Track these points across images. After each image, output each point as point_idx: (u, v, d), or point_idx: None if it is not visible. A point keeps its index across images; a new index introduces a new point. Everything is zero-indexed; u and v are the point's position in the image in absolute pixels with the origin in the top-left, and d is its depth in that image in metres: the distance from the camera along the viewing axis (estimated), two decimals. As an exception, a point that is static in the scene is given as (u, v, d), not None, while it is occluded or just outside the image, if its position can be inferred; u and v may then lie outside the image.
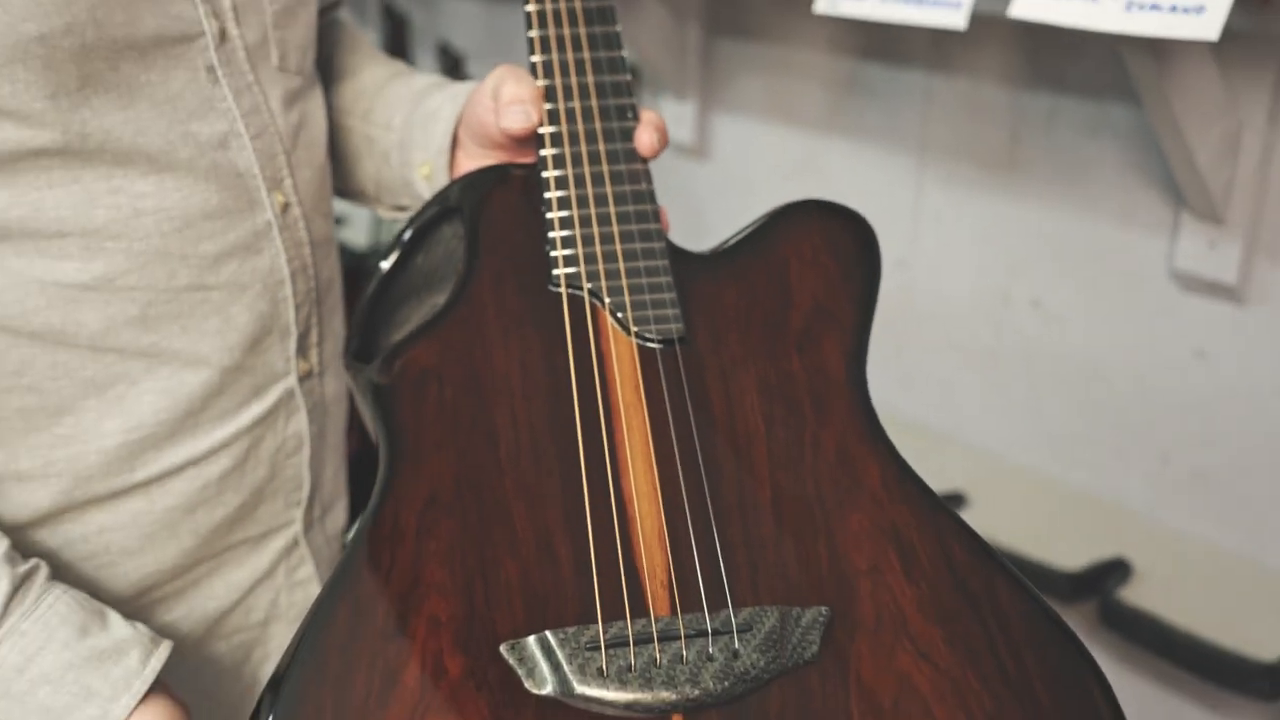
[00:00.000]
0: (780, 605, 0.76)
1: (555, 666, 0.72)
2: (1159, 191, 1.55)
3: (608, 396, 0.85)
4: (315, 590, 1.04)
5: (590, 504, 0.79)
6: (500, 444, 0.82)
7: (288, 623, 1.03)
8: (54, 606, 0.79)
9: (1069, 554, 1.59)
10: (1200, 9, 1.08)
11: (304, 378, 0.99)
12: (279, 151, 0.95)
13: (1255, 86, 1.40)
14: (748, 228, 0.96)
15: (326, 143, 1.04)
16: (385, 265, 0.96)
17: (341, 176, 1.14)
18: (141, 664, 0.79)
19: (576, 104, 0.96)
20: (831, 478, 0.82)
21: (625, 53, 0.99)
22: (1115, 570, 1.58)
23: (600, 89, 0.97)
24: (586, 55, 0.98)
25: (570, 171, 0.94)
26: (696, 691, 0.71)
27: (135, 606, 0.90)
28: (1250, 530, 1.55)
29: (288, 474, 1.00)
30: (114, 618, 0.81)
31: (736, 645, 0.74)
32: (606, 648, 0.73)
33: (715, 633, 0.74)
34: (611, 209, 0.93)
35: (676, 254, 0.93)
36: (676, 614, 0.75)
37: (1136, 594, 1.54)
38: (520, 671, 0.72)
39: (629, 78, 0.98)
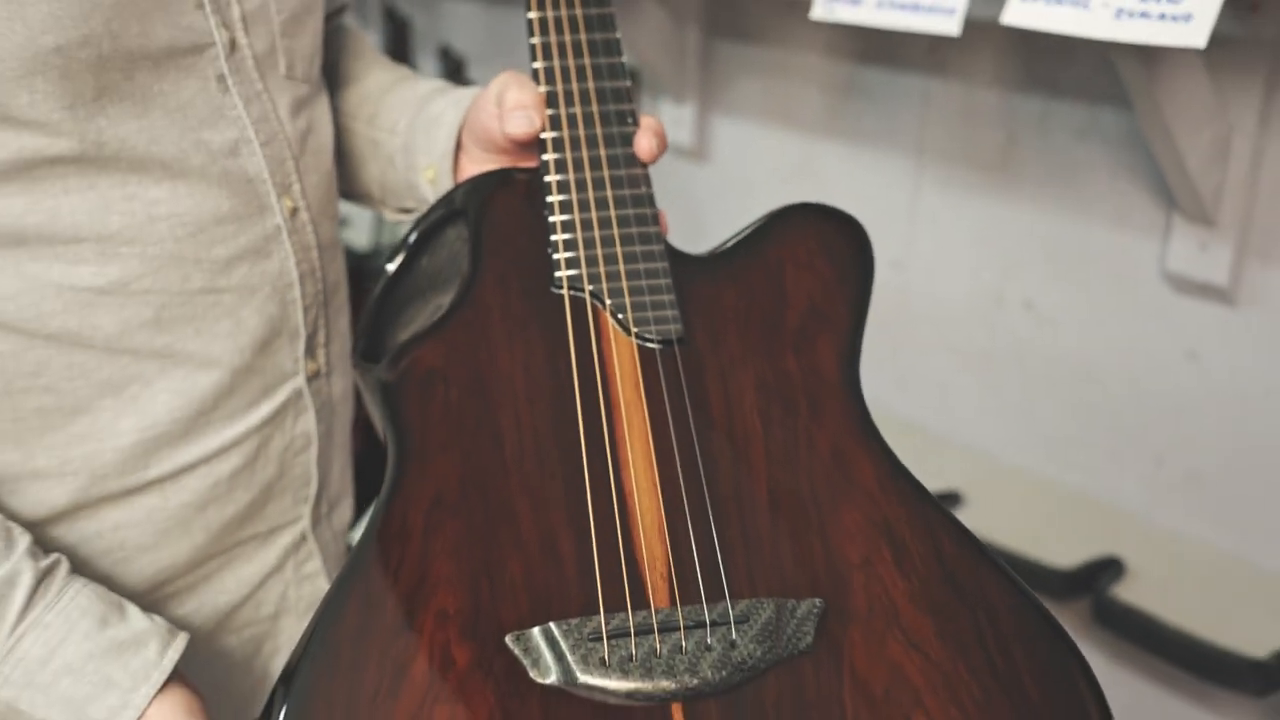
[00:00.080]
0: (776, 597, 0.77)
1: (559, 656, 0.73)
2: (1151, 194, 1.55)
3: (609, 396, 0.86)
4: (323, 584, 1.06)
5: (592, 500, 0.81)
6: (504, 443, 0.83)
7: (296, 616, 1.04)
8: (75, 599, 0.80)
9: (1063, 552, 1.59)
10: (1188, 17, 1.09)
11: (312, 378, 1.01)
12: (288, 157, 0.97)
13: (1245, 90, 1.41)
14: (744, 230, 0.97)
15: (332, 148, 1.06)
16: (391, 267, 0.97)
17: (347, 179, 1.15)
18: (160, 655, 0.81)
19: (578, 109, 0.98)
20: (826, 474, 0.83)
21: (625, 58, 1.00)
22: (1108, 568, 1.58)
23: (601, 95, 0.98)
24: (587, 62, 0.99)
25: (572, 176, 0.95)
26: (695, 680, 0.73)
27: (149, 601, 0.92)
28: (1242, 529, 1.55)
29: (296, 471, 1.01)
30: (132, 610, 0.83)
31: (734, 636, 0.75)
32: (608, 638, 0.74)
33: (713, 624, 0.76)
34: (612, 212, 0.94)
35: (675, 256, 0.94)
36: (676, 606, 0.77)
37: (1129, 592, 1.55)
38: (525, 661, 0.73)
39: (629, 84, 1.00)
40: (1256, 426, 1.52)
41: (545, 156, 0.96)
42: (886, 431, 0.88)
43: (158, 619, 0.83)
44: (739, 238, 0.97)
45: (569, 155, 0.96)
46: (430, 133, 1.06)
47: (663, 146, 0.98)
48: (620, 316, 0.90)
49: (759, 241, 0.97)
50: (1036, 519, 1.69)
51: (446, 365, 0.87)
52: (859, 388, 0.89)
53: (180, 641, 0.83)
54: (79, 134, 0.82)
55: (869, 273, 0.96)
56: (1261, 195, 1.45)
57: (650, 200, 0.95)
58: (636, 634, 0.75)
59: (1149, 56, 1.28)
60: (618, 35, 1.00)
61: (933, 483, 0.86)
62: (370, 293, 0.97)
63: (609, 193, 0.95)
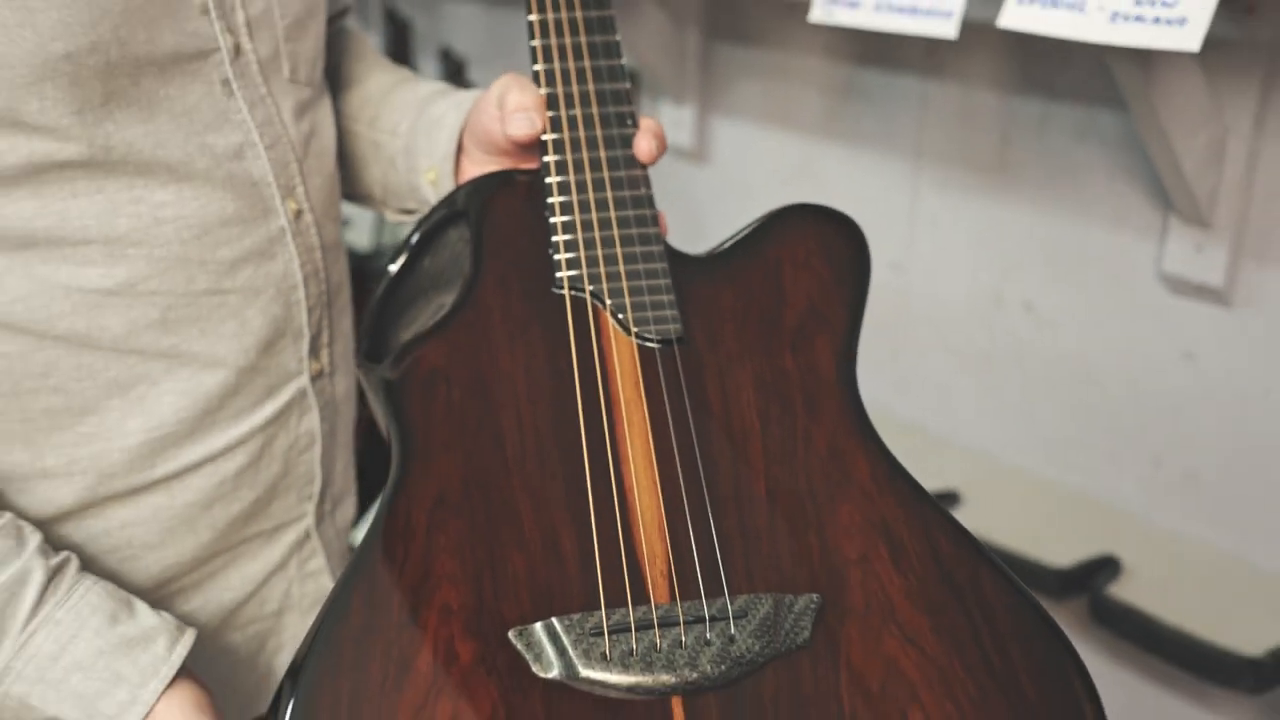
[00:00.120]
0: (774, 593, 0.78)
1: (561, 651, 0.74)
2: (1147, 196, 1.56)
3: (609, 394, 0.87)
4: (326, 581, 1.07)
5: (593, 497, 0.82)
6: (506, 442, 0.84)
7: (300, 613, 1.05)
8: (85, 597, 0.81)
9: (1061, 552, 1.60)
10: (1182, 20, 1.10)
11: (316, 377, 1.02)
12: (291, 160, 0.97)
13: (1240, 93, 1.41)
14: (742, 231, 0.98)
15: (335, 150, 1.07)
16: (394, 268, 0.98)
17: (349, 181, 1.16)
18: (168, 650, 0.82)
19: (578, 111, 0.98)
20: (823, 472, 0.84)
21: (624, 60, 1.01)
22: (1105, 567, 1.58)
23: (601, 97, 0.99)
24: (587, 64, 1.00)
25: (572, 177, 0.96)
26: (695, 674, 0.74)
27: (155, 598, 0.93)
28: (1238, 528, 1.56)
29: (300, 470, 1.02)
30: (141, 607, 0.84)
31: (732, 631, 0.76)
32: (609, 633, 0.75)
33: (712, 619, 0.77)
34: (612, 213, 0.95)
35: (675, 256, 0.95)
36: (676, 601, 0.78)
37: (1126, 590, 1.55)
38: (528, 656, 0.74)
39: (628, 86, 1.00)
40: (1252, 426, 1.52)
41: (546, 158, 0.97)
42: (886, 432, 0.89)
43: (166, 615, 0.84)
44: (737, 238, 0.98)
45: (569, 157, 0.97)
46: (431, 135, 1.07)
47: (662, 148, 0.99)
48: (620, 316, 0.91)
49: (757, 242, 0.98)
50: (1034, 518, 1.69)
51: (449, 365, 0.88)
52: (856, 387, 0.90)
53: (188, 637, 0.84)
54: (87, 139, 0.83)
55: (866, 273, 0.96)
56: (1256, 197, 1.45)
57: (650, 201, 0.96)
58: (637, 629, 0.76)
59: (1145, 59, 1.29)
60: (618, 38, 1.01)
61: (932, 482, 0.87)
62: (373, 293, 0.98)
63: (609, 194, 0.96)
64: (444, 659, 0.74)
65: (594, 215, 0.95)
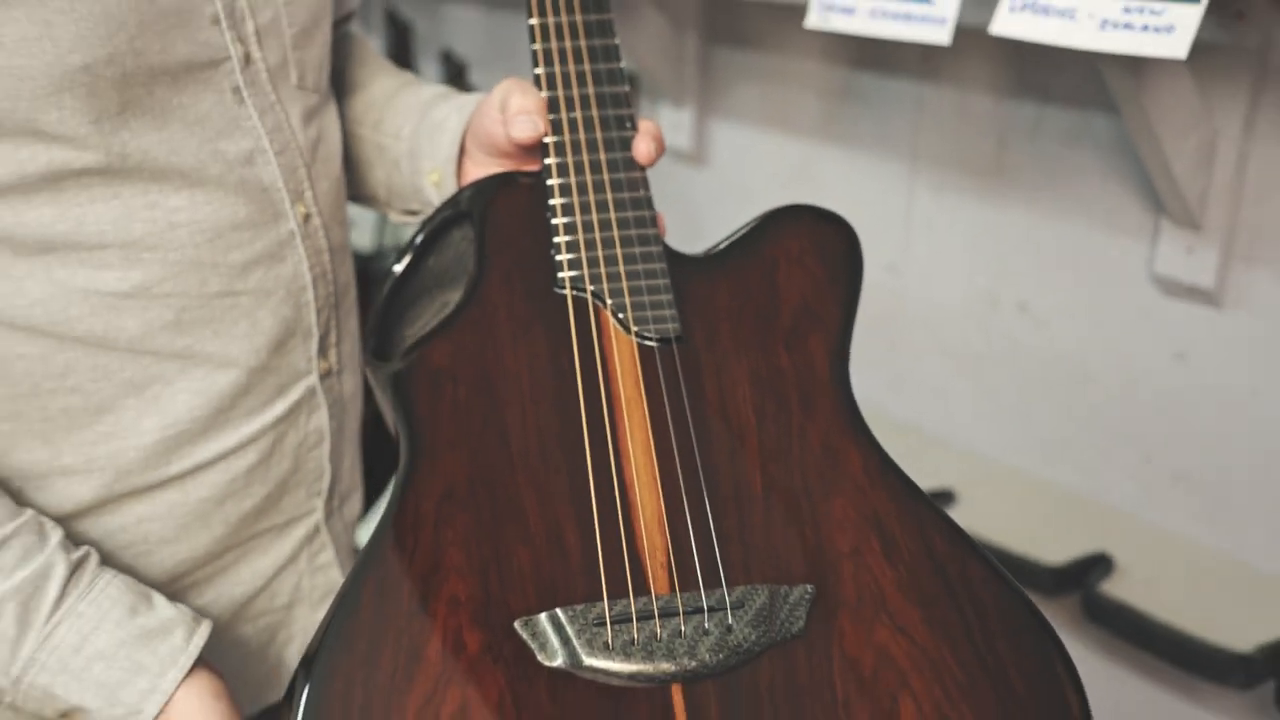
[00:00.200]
0: (770, 584, 0.80)
1: (565, 641, 0.76)
2: (1139, 198, 1.56)
3: (610, 392, 0.88)
4: (335, 575, 1.08)
5: (595, 492, 0.83)
6: (511, 439, 0.86)
7: (310, 605, 1.07)
8: (106, 590, 0.84)
9: (1054, 549, 1.60)
10: (1170, 28, 1.11)
11: (324, 376, 1.03)
12: (300, 165, 0.99)
13: (1230, 97, 1.42)
14: (738, 231, 0.99)
15: (341, 154, 1.08)
16: (399, 268, 0.99)
17: (355, 183, 1.17)
18: (186, 641, 0.84)
19: (578, 114, 0.99)
20: (817, 467, 0.86)
21: (624, 64, 1.02)
22: (1098, 565, 1.59)
23: (600, 100, 1.00)
24: (587, 67, 1.01)
25: (573, 179, 0.97)
26: (694, 663, 0.76)
27: (170, 592, 0.94)
28: (1228, 526, 1.57)
29: (310, 466, 1.04)
30: (159, 599, 0.86)
31: (730, 621, 0.78)
32: (612, 623, 0.77)
33: (711, 609, 0.78)
34: (612, 215, 0.96)
35: (673, 257, 0.97)
36: (675, 592, 0.79)
37: (1118, 588, 1.56)
38: (533, 646, 0.76)
39: (627, 89, 1.01)
40: (1243, 426, 1.53)
41: (547, 160, 0.98)
42: (883, 431, 0.90)
43: (183, 607, 0.87)
44: (733, 238, 0.99)
45: (570, 159, 0.98)
46: (434, 138, 1.09)
47: (660, 150, 1.00)
48: (621, 316, 0.92)
49: (753, 242, 0.99)
50: (1028, 517, 1.70)
51: (455, 364, 0.89)
52: (849, 384, 0.92)
53: (205, 628, 0.86)
54: (104, 147, 0.85)
55: (859, 272, 0.98)
56: (1246, 200, 1.46)
57: (649, 203, 0.98)
58: (638, 619, 0.78)
59: (1136, 65, 1.30)
60: (617, 41, 1.02)
61: (928, 481, 0.88)
62: (377, 292, 0.99)
63: (609, 196, 0.97)
64: (453, 648, 0.75)
65: (594, 216, 0.96)
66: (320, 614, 1.07)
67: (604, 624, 0.77)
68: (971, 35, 1.37)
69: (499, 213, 0.99)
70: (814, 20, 1.46)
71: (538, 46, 1.01)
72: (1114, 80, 1.34)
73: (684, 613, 0.79)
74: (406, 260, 1.00)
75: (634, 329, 0.92)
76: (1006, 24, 1.25)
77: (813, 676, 0.77)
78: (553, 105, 1.00)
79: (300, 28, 0.99)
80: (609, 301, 0.93)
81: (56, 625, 0.82)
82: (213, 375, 0.94)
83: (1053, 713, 0.77)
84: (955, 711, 0.76)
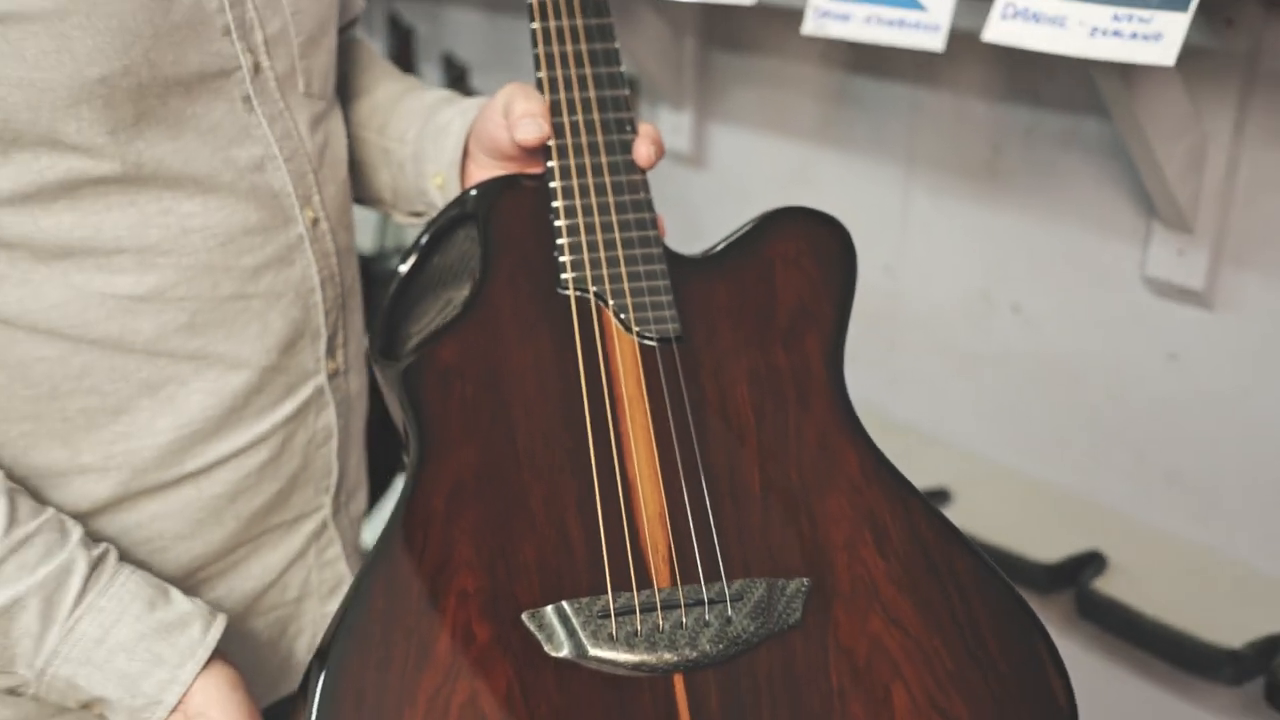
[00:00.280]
0: (767, 577, 0.83)
1: (571, 632, 0.79)
2: (1131, 201, 1.57)
3: (612, 391, 0.90)
4: (343, 569, 1.10)
5: (599, 488, 0.85)
6: (517, 436, 0.87)
7: (319, 599, 1.09)
8: (125, 585, 0.86)
9: (1047, 547, 1.61)
10: (1158, 36, 1.12)
11: (332, 376, 1.05)
12: (308, 171, 1.01)
13: (1220, 102, 1.43)
14: (735, 232, 1.01)
15: (347, 159, 1.10)
16: (404, 268, 1.01)
17: (360, 185, 1.19)
18: (203, 634, 0.86)
19: (580, 118, 1.01)
20: (813, 463, 0.88)
21: (624, 68, 1.03)
22: (1091, 562, 1.59)
23: (601, 103, 1.02)
24: (588, 71, 1.02)
25: (575, 182, 0.98)
26: (695, 653, 0.78)
27: (184, 587, 0.95)
28: (1219, 525, 1.58)
29: (318, 463, 1.06)
30: (176, 594, 0.88)
31: (729, 613, 0.80)
32: (616, 615, 0.79)
33: (711, 602, 0.81)
34: (613, 217, 0.98)
35: (672, 258, 0.98)
36: (677, 585, 0.82)
37: (1111, 585, 1.56)
38: (540, 637, 0.78)
39: (627, 92, 1.03)
40: (1233, 425, 1.54)
41: (550, 163, 1.00)
42: (879, 431, 0.92)
43: (199, 601, 0.89)
44: (731, 240, 1.01)
45: (572, 162, 0.99)
46: (438, 141, 1.10)
47: (660, 153, 1.01)
48: (622, 316, 0.94)
49: (750, 243, 1.01)
50: (1022, 515, 1.70)
51: (462, 363, 0.91)
52: (843, 381, 0.94)
53: (220, 622, 0.88)
54: (120, 156, 0.87)
55: (853, 272, 1.00)
56: (1236, 203, 1.47)
57: (649, 205, 0.99)
58: (641, 611, 0.80)
59: (1127, 70, 1.31)
60: (617, 45, 1.03)
61: (923, 480, 0.89)
62: (385, 292, 1.00)
63: (610, 198, 0.98)
64: (462, 640, 0.78)
65: (596, 219, 0.97)
66: (329, 607, 1.09)
67: (608, 616, 0.80)
68: (966, 40, 1.37)
69: (503, 214, 1.00)
70: (810, 27, 1.47)
71: (539, 50, 1.03)
72: (1105, 86, 1.35)
73: (685, 605, 0.81)
74: (412, 260, 1.01)
75: (635, 329, 0.93)
76: (998, 31, 1.26)
77: (809, 666, 0.79)
78: (555, 108, 1.01)
79: (307, 36, 1.01)
80: (611, 302, 0.94)
81: (79, 619, 0.84)
82: (225, 376, 0.96)
83: (1039, 698, 0.80)
84: (945, 698, 0.78)
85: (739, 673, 0.79)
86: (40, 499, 0.91)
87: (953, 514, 0.86)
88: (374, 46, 1.27)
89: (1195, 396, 1.58)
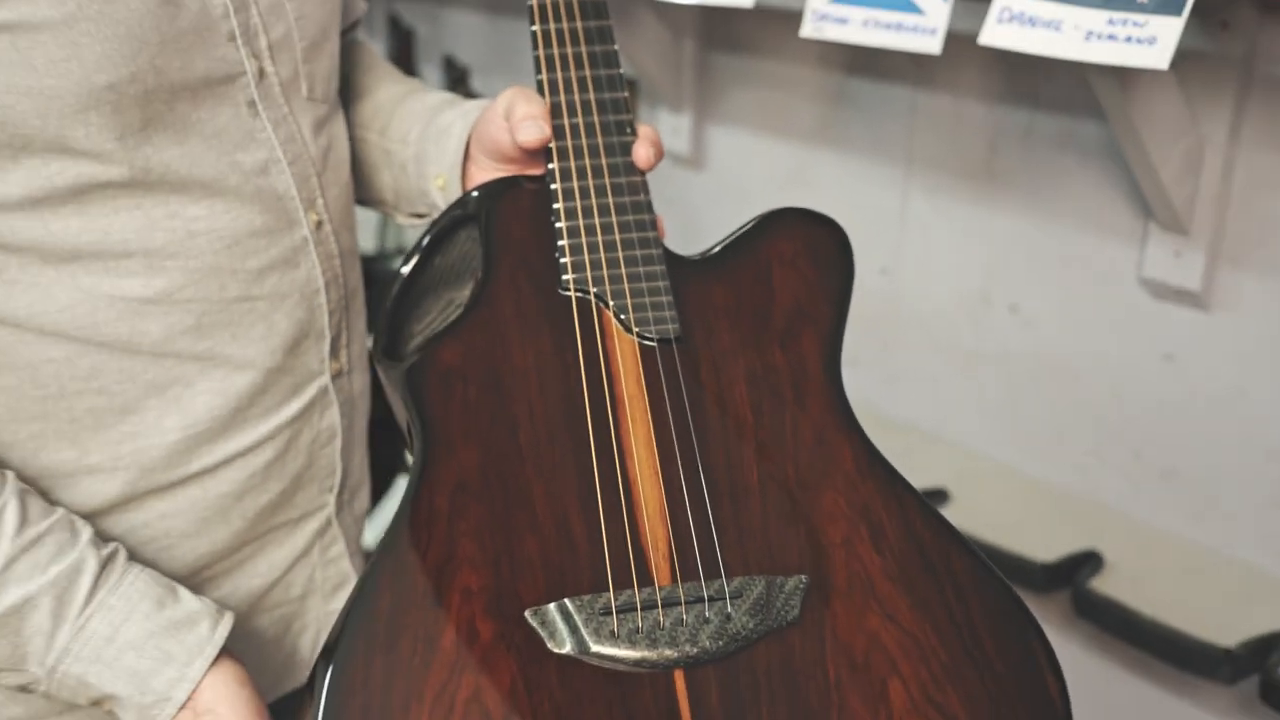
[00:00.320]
0: (766, 574, 0.84)
1: (573, 629, 0.80)
2: (1128, 203, 1.58)
3: (613, 390, 0.91)
4: (346, 566, 1.11)
5: (600, 487, 0.86)
6: (520, 435, 0.88)
7: (322, 596, 1.10)
8: (134, 584, 0.87)
9: (1045, 547, 1.62)
10: (1153, 40, 1.13)
11: (336, 376, 1.06)
12: (312, 174, 1.02)
13: (1216, 104, 1.44)
14: (733, 233, 1.02)
15: (349, 161, 1.11)
16: (406, 269, 1.02)
17: (363, 186, 1.20)
18: (211, 631, 0.88)
19: (580, 120, 1.02)
20: (810, 461, 0.89)
21: (623, 70, 1.04)
22: (1088, 562, 1.61)
23: (601, 106, 1.02)
24: (588, 73, 1.03)
25: (575, 184, 0.99)
26: (695, 650, 0.80)
27: (191, 585, 0.96)
28: (1216, 524, 1.59)
29: (322, 462, 1.07)
30: (184, 592, 0.90)
31: (729, 609, 0.81)
32: (617, 612, 0.81)
33: (710, 599, 0.82)
34: (613, 218, 0.98)
35: (672, 259, 0.99)
36: (677, 583, 0.83)
37: (1108, 584, 1.57)
38: (543, 633, 0.80)
39: (626, 94, 1.03)
40: (1229, 425, 1.55)
41: (550, 165, 1.01)
42: (878, 429, 0.93)
43: (206, 600, 0.90)
44: (728, 240, 1.02)
45: (572, 164, 1.00)
46: (440, 143, 1.11)
47: (659, 155, 1.02)
48: (623, 317, 0.95)
49: (747, 244, 1.01)
50: (1020, 514, 1.71)
51: (465, 363, 0.92)
52: (840, 380, 0.95)
53: (228, 620, 0.89)
54: (128, 162, 0.88)
55: (850, 273, 1.00)
56: (1232, 205, 1.48)
57: (648, 207, 1.00)
58: (642, 608, 0.81)
59: (1122, 73, 1.32)
60: (616, 47, 1.04)
61: (921, 479, 0.90)
62: (387, 293, 1.01)
63: (610, 200, 0.99)
64: (467, 637, 0.79)
65: (596, 220, 0.98)
66: (332, 605, 1.10)
67: (610, 613, 0.81)
68: (964, 42, 1.38)
69: (505, 216, 1.01)
70: (808, 30, 1.48)
71: (540, 53, 1.03)
72: (1101, 89, 1.36)
73: (685, 602, 0.82)
74: (414, 261, 1.02)
75: (635, 329, 0.94)
76: (994, 35, 1.27)
77: (807, 661, 0.80)
78: (555, 111, 1.02)
79: (310, 41, 1.02)
80: (611, 302, 0.95)
81: (89, 618, 0.85)
82: (231, 376, 0.97)
83: (1032, 693, 0.81)
84: (941, 692, 0.80)
85: (738, 669, 0.80)
86: (49, 499, 0.92)
87: (951, 513, 0.87)
88: (375, 48, 1.27)
89: (1191, 396, 1.59)
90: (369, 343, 1.08)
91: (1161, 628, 1.49)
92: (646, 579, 0.83)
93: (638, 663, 0.79)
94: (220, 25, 0.93)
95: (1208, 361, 1.56)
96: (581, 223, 0.98)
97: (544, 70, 1.03)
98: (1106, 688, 1.67)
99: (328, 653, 0.78)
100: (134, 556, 0.92)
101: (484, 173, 1.08)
